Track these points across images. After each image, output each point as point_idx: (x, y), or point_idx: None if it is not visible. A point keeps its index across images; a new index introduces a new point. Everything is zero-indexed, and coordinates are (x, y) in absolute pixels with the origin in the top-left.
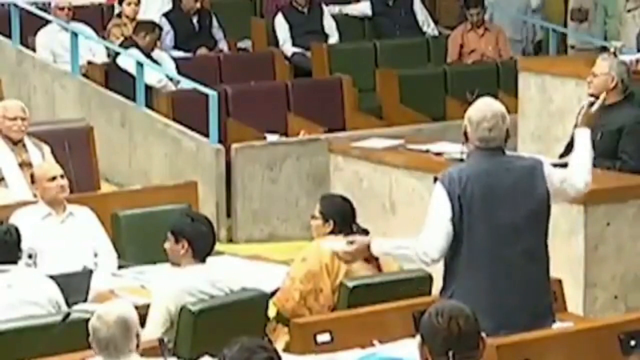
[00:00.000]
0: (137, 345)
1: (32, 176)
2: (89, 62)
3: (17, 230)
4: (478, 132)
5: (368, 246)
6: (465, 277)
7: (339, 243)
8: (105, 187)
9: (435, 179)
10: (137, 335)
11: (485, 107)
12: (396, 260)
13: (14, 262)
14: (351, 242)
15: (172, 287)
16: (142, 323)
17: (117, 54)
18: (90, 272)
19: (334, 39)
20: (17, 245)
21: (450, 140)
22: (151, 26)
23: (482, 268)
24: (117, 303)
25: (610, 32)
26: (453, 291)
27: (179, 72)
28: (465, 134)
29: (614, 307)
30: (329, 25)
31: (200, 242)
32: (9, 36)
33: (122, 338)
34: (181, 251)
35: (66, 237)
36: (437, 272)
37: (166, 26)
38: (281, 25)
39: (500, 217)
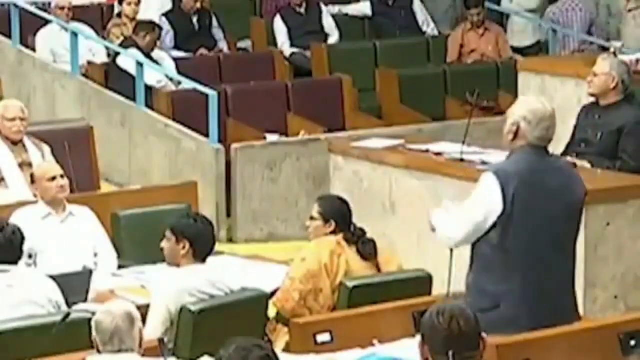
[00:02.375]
0: (140, 345)
1: (32, 176)
2: (89, 62)
3: (21, 231)
4: (537, 130)
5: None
6: (509, 276)
7: None
8: (105, 187)
9: (481, 172)
10: (140, 332)
11: (543, 107)
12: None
13: (15, 262)
14: None
15: (172, 287)
16: (143, 323)
17: (117, 54)
18: (90, 272)
19: (334, 38)
20: (20, 246)
21: (450, 140)
22: (151, 26)
23: (526, 266)
24: (120, 303)
25: (613, 32)
26: (495, 292)
27: (179, 72)
28: (517, 131)
29: (614, 307)
30: (329, 25)
31: (201, 243)
32: (9, 36)
33: (127, 330)
34: (182, 251)
35: (66, 237)
36: (438, 272)
37: (166, 26)
38: (279, 28)
39: (546, 216)
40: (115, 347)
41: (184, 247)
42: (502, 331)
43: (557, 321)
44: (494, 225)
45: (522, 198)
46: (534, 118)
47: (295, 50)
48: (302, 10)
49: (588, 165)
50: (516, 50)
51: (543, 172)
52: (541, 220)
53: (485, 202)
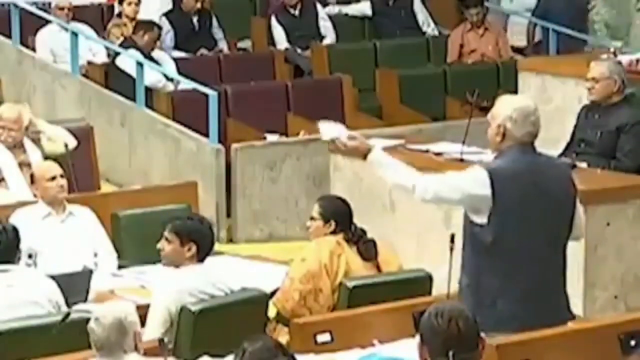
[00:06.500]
0: (136, 346)
1: (31, 176)
2: (89, 62)
3: (16, 230)
4: (526, 127)
5: (366, 152)
6: (505, 274)
7: (340, 129)
8: (105, 187)
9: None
10: (137, 335)
11: (524, 103)
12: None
13: (14, 262)
14: (353, 138)
15: (173, 287)
16: (142, 323)
17: (117, 54)
18: (90, 272)
19: (330, 39)
20: (17, 246)
21: (450, 140)
22: (150, 25)
23: (522, 265)
24: (116, 304)
25: (622, 31)
26: (491, 290)
27: (179, 72)
28: (505, 131)
29: (614, 307)
30: (325, 26)
31: (206, 244)
32: (9, 36)
33: (116, 340)
34: (187, 253)
35: (66, 237)
36: (437, 272)
37: (166, 26)
38: (276, 29)
39: (540, 214)
40: (106, 356)
41: (189, 249)
42: (500, 330)
43: (554, 319)
44: (488, 223)
45: (516, 197)
46: (519, 116)
47: (288, 46)
48: (297, 12)
49: (586, 166)
50: (516, 50)
51: (535, 170)
52: (535, 218)
53: (467, 181)
